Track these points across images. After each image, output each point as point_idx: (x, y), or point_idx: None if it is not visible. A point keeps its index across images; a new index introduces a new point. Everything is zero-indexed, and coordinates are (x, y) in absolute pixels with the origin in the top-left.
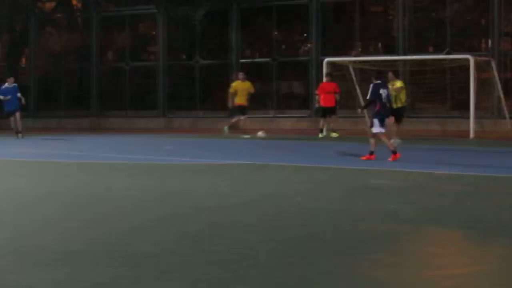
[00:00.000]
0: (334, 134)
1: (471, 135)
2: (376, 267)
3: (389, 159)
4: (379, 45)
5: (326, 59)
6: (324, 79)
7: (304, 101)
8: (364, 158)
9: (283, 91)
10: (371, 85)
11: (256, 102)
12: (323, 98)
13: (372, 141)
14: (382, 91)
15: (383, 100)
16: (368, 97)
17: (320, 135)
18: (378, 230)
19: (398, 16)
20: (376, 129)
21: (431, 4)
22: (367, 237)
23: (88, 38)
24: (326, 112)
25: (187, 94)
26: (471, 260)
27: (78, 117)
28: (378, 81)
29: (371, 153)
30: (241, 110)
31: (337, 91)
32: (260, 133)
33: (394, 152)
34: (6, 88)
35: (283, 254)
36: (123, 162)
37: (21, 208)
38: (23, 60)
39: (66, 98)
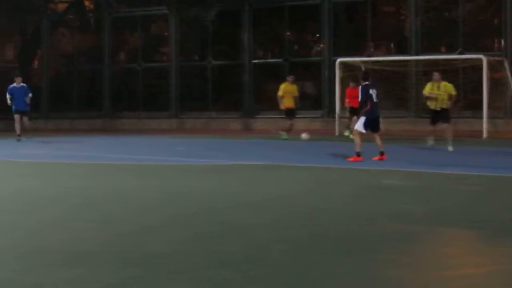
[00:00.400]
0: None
1: (484, 135)
2: (388, 268)
3: (350, 158)
4: (391, 45)
5: (339, 59)
6: (350, 85)
7: (316, 102)
8: (375, 158)
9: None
10: (360, 87)
11: (269, 102)
12: (350, 102)
13: (378, 141)
14: (372, 92)
15: (375, 100)
16: (359, 100)
17: (346, 134)
18: (390, 230)
19: (410, 16)
20: (359, 126)
21: (444, 4)
22: (379, 238)
23: (100, 39)
24: (354, 113)
25: (199, 95)
26: (484, 260)
27: (90, 118)
28: (366, 82)
29: (382, 153)
30: (290, 112)
31: None
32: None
33: (358, 155)
34: (14, 87)
35: (294, 255)
36: (134, 163)
37: (31, 209)
38: (35, 61)
39: (78, 99)
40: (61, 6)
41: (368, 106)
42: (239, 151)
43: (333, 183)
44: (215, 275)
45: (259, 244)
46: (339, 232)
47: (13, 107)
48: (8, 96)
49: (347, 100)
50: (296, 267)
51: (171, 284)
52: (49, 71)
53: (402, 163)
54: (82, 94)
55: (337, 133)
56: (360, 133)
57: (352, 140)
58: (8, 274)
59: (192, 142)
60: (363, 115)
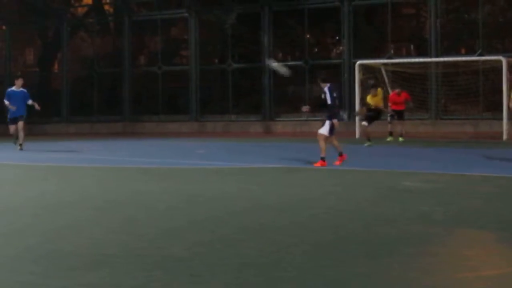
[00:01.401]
0: (400, 139)
1: (504, 136)
2: (408, 270)
3: (316, 164)
4: (411, 47)
5: (358, 62)
6: (395, 91)
7: None
8: (337, 162)
9: (316, 94)
10: (327, 88)
11: (289, 105)
12: (392, 106)
13: (335, 143)
14: (335, 94)
15: (337, 103)
16: (329, 102)
17: (389, 139)
18: (411, 232)
19: (430, 18)
20: (325, 131)
21: (463, 6)
22: (398, 239)
23: (120, 42)
24: (395, 115)
25: (219, 98)
26: (503, 262)
27: (110, 121)
28: (329, 84)
29: (341, 154)
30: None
31: (409, 99)
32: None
33: (323, 159)
34: (13, 91)
35: (315, 257)
36: (154, 167)
37: (52, 212)
38: (56, 65)
39: (98, 102)
40: (81, 10)
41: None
42: (259, 154)
43: (354, 185)
44: (236, 278)
45: (280, 247)
46: (359, 234)
47: (10, 113)
48: (6, 102)
49: (390, 104)
50: (319, 269)
51: (192, 286)
52: (69, 75)
53: (422, 164)
54: (103, 98)
55: (357, 136)
56: (326, 138)
57: (399, 143)
58: (29, 277)
59: (212, 145)
60: (329, 119)
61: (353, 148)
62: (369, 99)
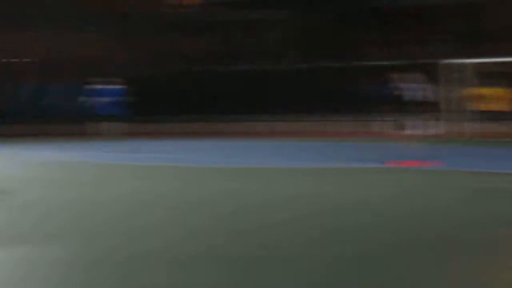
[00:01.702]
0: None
1: None
2: (501, 272)
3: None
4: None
5: (447, 61)
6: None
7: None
8: (405, 164)
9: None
10: (423, 83)
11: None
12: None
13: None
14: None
15: None
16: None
17: None
18: (496, 235)
19: None
20: (418, 131)
21: None
22: (484, 242)
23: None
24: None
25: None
26: None
27: (182, 121)
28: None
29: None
30: None
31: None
32: None
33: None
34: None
35: (391, 259)
36: (233, 166)
37: (130, 213)
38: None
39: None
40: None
41: None
42: (332, 154)
43: (438, 186)
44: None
45: (353, 248)
46: (443, 236)
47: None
48: (88, 98)
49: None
50: (399, 271)
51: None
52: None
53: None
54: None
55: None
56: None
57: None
58: (112, 278)
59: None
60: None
61: (441, 149)
62: (488, 91)
